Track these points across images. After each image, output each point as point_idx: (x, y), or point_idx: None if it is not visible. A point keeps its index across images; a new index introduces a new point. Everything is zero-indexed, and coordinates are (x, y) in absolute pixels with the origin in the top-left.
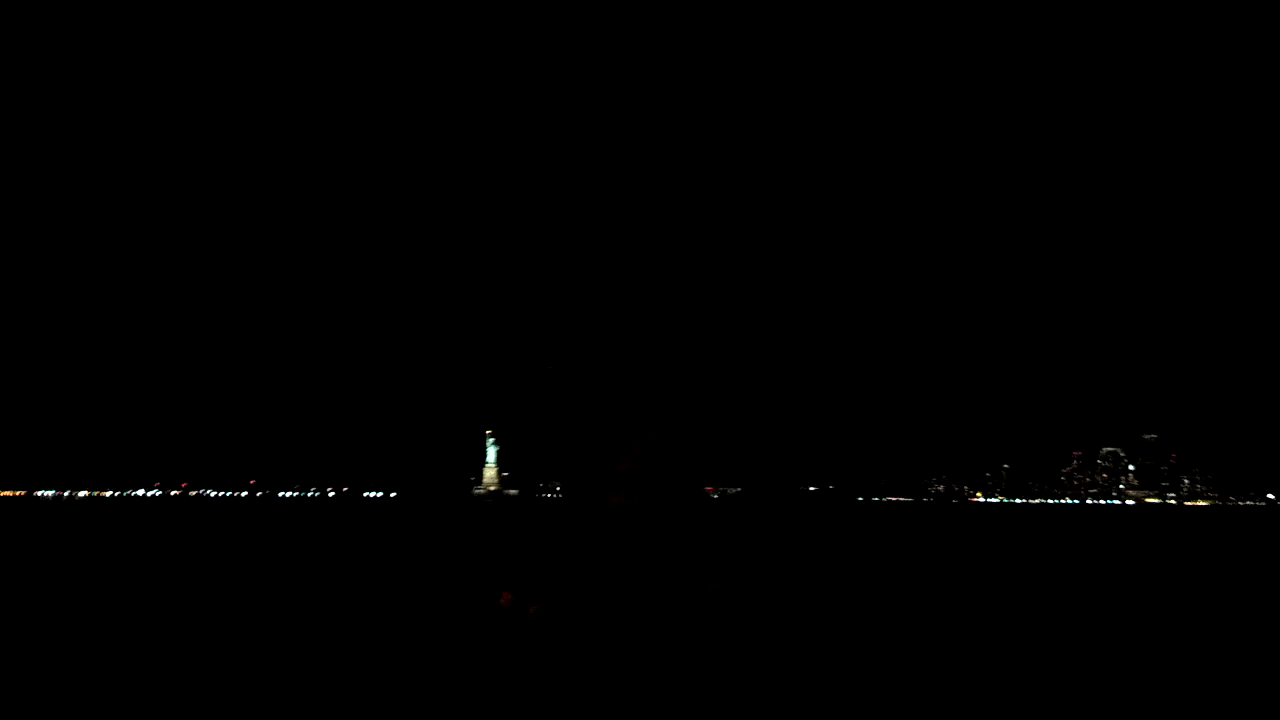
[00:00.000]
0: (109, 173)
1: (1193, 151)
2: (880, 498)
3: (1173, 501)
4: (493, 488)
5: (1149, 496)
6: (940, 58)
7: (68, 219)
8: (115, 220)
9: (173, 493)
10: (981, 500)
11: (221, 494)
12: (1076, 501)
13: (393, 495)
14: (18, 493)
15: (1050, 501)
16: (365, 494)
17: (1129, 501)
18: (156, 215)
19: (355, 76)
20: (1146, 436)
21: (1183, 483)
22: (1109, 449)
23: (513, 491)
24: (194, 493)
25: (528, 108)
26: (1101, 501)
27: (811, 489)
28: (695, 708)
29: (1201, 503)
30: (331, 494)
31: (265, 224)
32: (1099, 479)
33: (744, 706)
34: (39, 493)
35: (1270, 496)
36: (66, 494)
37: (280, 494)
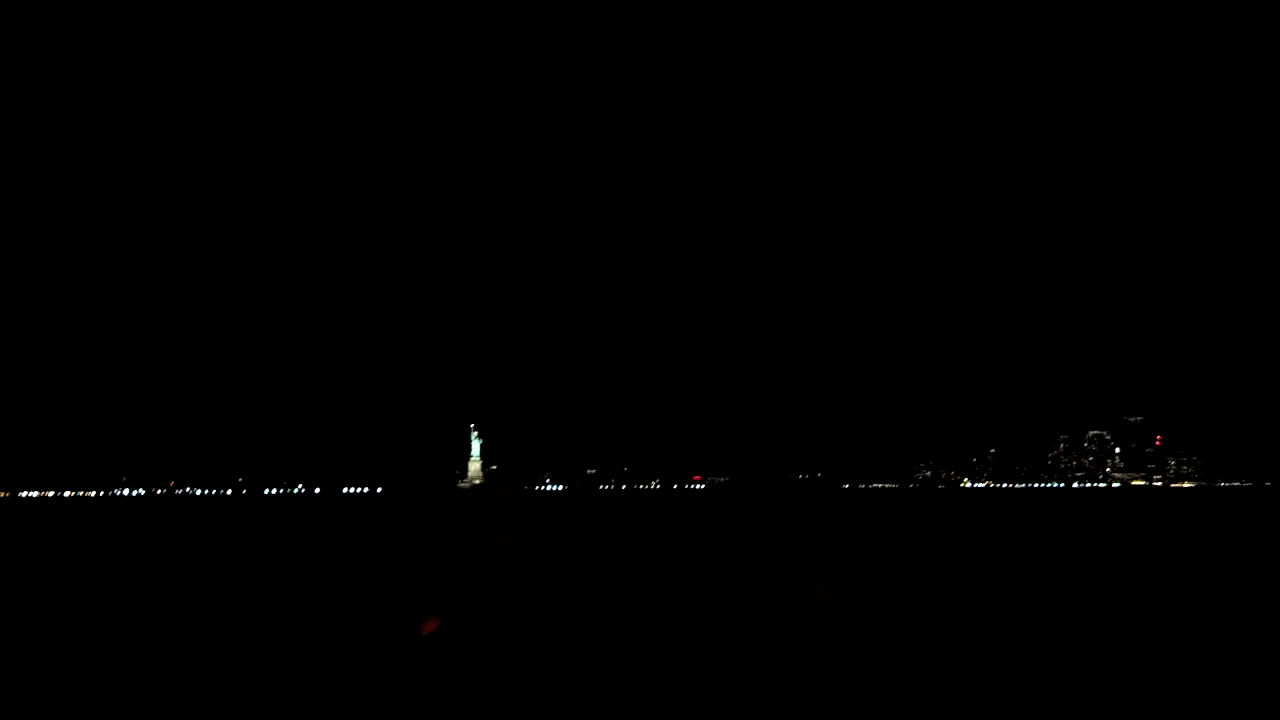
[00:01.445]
0: (88, 169)
1: (1174, 135)
2: (867, 484)
3: (1159, 484)
4: (477, 481)
5: (1135, 479)
6: (939, 56)
7: (45, 215)
8: (93, 215)
9: (158, 491)
10: (969, 485)
11: (208, 492)
12: (1063, 485)
13: (378, 490)
14: (1, 494)
15: (1037, 486)
16: (349, 489)
17: (1114, 484)
18: (136, 212)
19: (337, 70)
20: (1131, 419)
21: (1169, 465)
22: (1094, 432)
23: None
24: (180, 491)
25: (508, 106)
26: (1088, 485)
27: (798, 477)
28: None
29: (1187, 485)
30: (318, 490)
31: (246, 221)
32: (1085, 462)
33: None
34: (23, 494)
35: (1257, 477)
36: (52, 494)
37: (266, 491)
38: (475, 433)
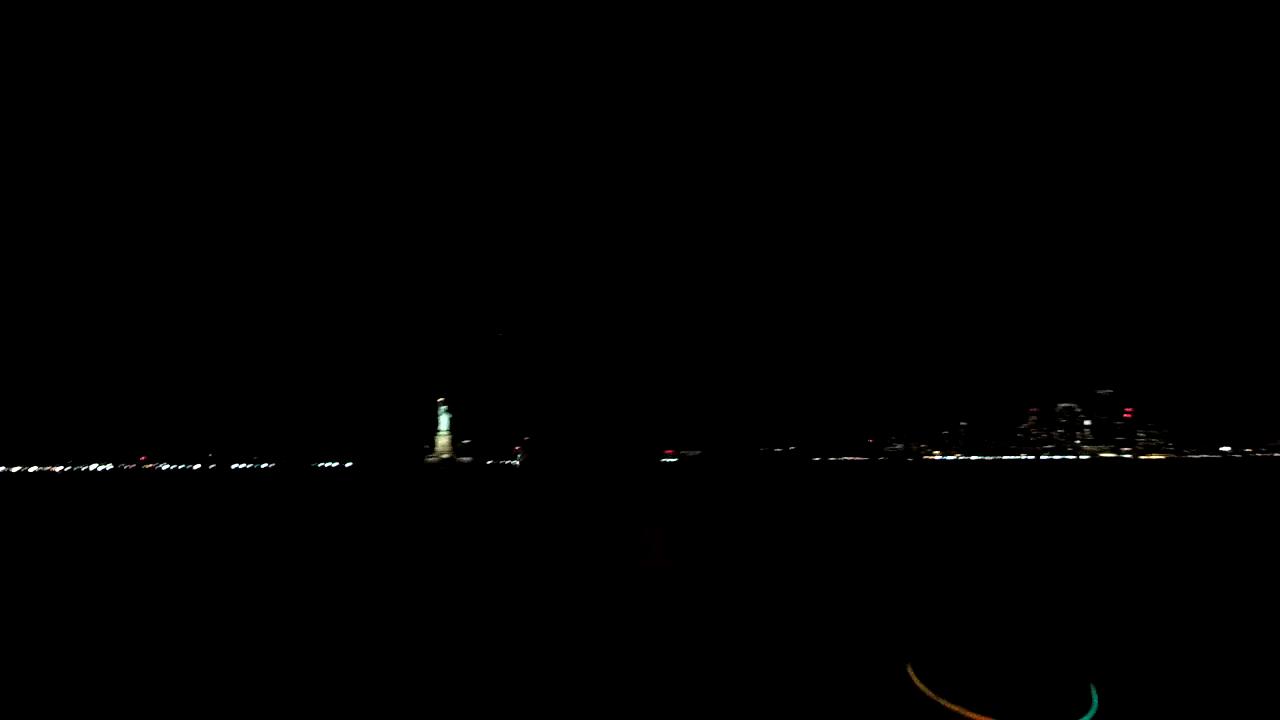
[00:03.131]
0: (71, 156)
1: (1145, 110)
2: (837, 457)
3: (1128, 456)
4: (445, 455)
5: (1104, 451)
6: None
7: (25, 201)
8: (67, 199)
9: (127, 467)
10: (939, 458)
11: (177, 467)
12: (1032, 457)
13: (348, 465)
14: None
15: (1007, 458)
16: (319, 464)
17: (1083, 457)
18: (111, 194)
19: (335, 68)
20: (1101, 391)
21: (1138, 437)
22: (1065, 405)
23: (466, 459)
24: (149, 466)
25: (501, 99)
26: (1057, 457)
27: (769, 450)
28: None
29: (1156, 456)
30: (287, 465)
31: (214, 201)
32: (1055, 435)
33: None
34: None
35: (1225, 449)
36: (17, 470)
37: (234, 466)
38: (444, 407)
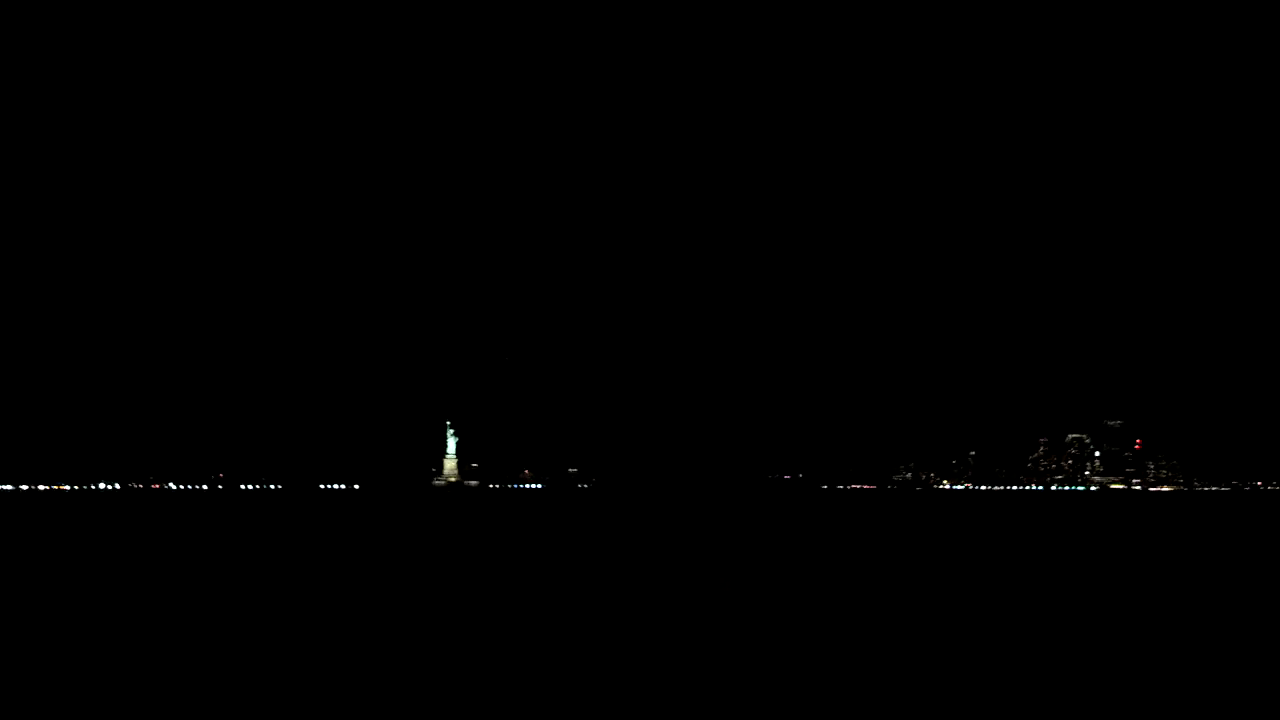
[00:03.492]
0: (83, 169)
1: (1153, 140)
2: (847, 485)
3: (1138, 487)
4: (453, 478)
5: (1114, 482)
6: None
7: (35, 215)
8: (72, 212)
9: (136, 486)
10: (949, 487)
11: (185, 487)
12: (1042, 488)
13: (355, 487)
14: None
15: (1016, 488)
16: (327, 485)
17: (1093, 488)
18: (116, 210)
19: (320, 65)
20: (1111, 423)
21: (1148, 468)
22: (1074, 435)
23: (473, 482)
24: (157, 486)
25: (499, 106)
26: (1067, 488)
27: (778, 477)
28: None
29: (1166, 488)
30: (296, 486)
31: (225, 221)
32: (1065, 465)
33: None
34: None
35: (1235, 482)
36: (26, 488)
37: (244, 486)
38: (451, 430)
